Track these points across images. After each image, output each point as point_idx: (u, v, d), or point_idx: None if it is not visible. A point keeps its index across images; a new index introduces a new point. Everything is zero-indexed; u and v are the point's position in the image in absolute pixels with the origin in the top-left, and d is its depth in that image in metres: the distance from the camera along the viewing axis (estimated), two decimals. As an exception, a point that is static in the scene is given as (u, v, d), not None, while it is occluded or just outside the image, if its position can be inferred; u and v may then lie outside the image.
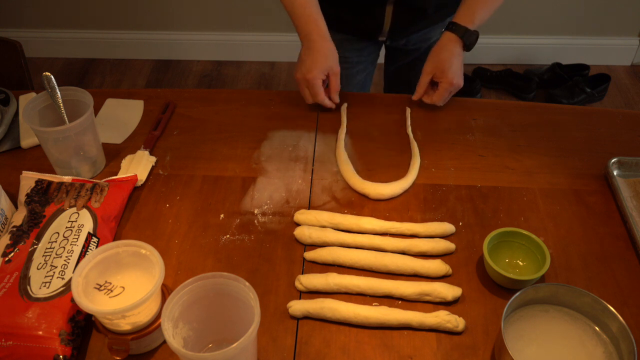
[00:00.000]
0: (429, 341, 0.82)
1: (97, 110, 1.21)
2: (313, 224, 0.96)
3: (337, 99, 1.17)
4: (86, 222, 0.90)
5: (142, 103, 1.23)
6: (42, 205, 0.92)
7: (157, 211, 1.00)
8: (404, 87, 1.47)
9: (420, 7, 1.23)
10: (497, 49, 2.77)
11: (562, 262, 0.92)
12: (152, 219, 0.99)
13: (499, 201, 1.02)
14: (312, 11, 1.13)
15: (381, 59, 1.48)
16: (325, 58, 1.11)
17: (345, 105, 1.21)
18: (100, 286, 0.78)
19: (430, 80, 1.16)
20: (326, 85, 1.16)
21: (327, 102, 1.15)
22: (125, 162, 1.08)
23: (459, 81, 1.13)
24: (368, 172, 1.07)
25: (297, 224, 0.98)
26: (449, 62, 1.12)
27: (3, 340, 0.76)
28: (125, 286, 0.79)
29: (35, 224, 0.89)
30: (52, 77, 1.01)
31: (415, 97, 1.18)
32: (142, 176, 1.05)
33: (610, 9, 2.61)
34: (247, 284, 0.71)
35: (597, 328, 0.79)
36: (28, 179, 0.97)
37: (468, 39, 1.14)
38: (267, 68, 2.81)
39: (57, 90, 1.02)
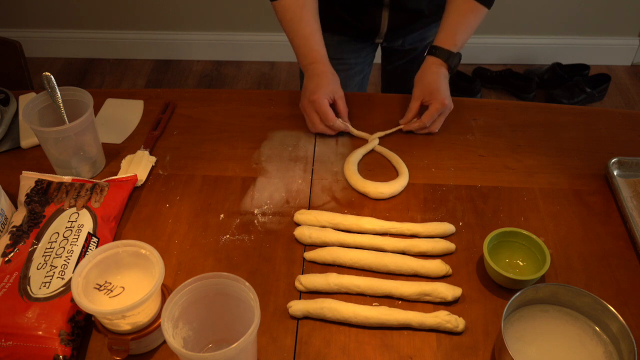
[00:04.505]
0: (429, 341, 0.82)
1: (97, 110, 1.21)
2: (313, 224, 0.96)
3: (347, 121, 1.13)
4: (86, 222, 0.90)
5: (142, 103, 1.23)
6: (42, 205, 0.92)
7: (157, 211, 1.00)
8: (401, 87, 1.47)
9: (417, 9, 1.23)
10: (497, 49, 2.77)
11: (562, 262, 0.92)
12: (152, 219, 0.99)
13: (499, 201, 1.02)
14: (314, 42, 1.12)
15: (377, 59, 1.48)
16: (328, 82, 1.10)
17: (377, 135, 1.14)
18: (100, 286, 0.78)
19: (420, 106, 1.13)
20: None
21: (339, 123, 1.11)
22: (125, 162, 1.08)
23: (450, 102, 1.10)
24: (368, 172, 1.07)
25: (297, 224, 0.98)
26: (436, 83, 1.11)
27: (3, 340, 0.76)
28: (125, 286, 0.79)
29: (35, 224, 0.89)
30: (52, 77, 1.01)
31: (403, 121, 1.15)
32: (142, 176, 1.05)
33: (610, 9, 2.61)
34: (247, 284, 0.71)
35: (597, 328, 0.79)
36: (28, 179, 0.97)
37: (452, 61, 1.13)
38: (267, 68, 2.81)
39: (57, 90, 1.02)
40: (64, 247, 0.86)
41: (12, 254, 0.85)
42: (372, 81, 1.67)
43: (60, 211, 0.91)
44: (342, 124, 1.12)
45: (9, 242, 0.87)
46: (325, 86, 1.09)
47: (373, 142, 1.12)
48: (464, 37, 1.14)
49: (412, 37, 1.34)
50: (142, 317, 0.76)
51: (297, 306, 0.84)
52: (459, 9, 1.13)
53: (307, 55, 1.13)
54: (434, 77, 1.12)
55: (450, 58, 1.12)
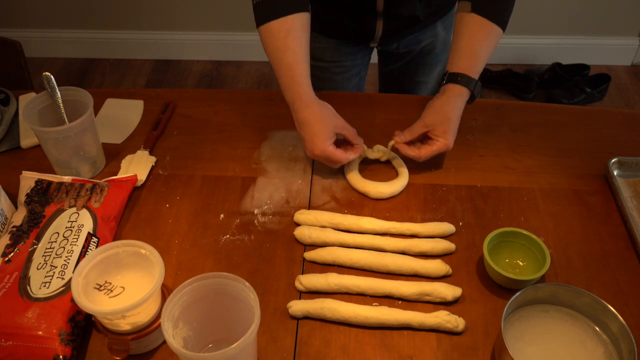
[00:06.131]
0: (429, 341, 0.82)
1: (97, 110, 1.21)
2: (313, 224, 0.96)
3: (359, 141, 1.04)
4: (86, 222, 0.90)
5: (142, 103, 1.23)
6: (42, 205, 0.92)
7: (157, 211, 1.00)
8: (399, 89, 1.47)
9: (412, 16, 1.22)
10: (497, 49, 2.72)
11: (562, 262, 0.92)
12: (152, 219, 0.99)
13: (499, 201, 1.02)
14: (297, 73, 1.00)
15: (374, 59, 1.48)
16: (321, 124, 0.99)
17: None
18: (100, 286, 0.78)
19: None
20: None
21: (352, 156, 1.02)
22: (125, 162, 1.08)
23: (452, 144, 1.03)
24: (368, 172, 1.07)
25: (297, 224, 0.98)
26: (452, 122, 1.02)
27: (3, 340, 0.76)
28: (125, 286, 0.79)
29: (35, 224, 0.89)
30: (52, 77, 1.01)
31: (398, 139, 1.05)
32: (142, 176, 1.05)
33: (610, 9, 2.61)
34: (247, 284, 0.71)
35: (597, 328, 0.79)
36: (28, 179, 0.97)
37: (477, 90, 1.04)
38: (267, 68, 2.81)
39: (57, 90, 1.02)
40: (64, 247, 0.86)
41: (12, 254, 0.85)
42: (370, 80, 1.67)
43: (60, 211, 0.91)
44: (353, 154, 1.02)
45: (9, 242, 0.87)
46: (322, 131, 0.98)
47: (378, 152, 1.10)
48: (483, 63, 1.06)
49: (407, 40, 1.33)
50: (142, 317, 0.76)
51: (297, 306, 0.84)
52: (474, 30, 1.06)
53: (289, 87, 1.01)
54: (452, 112, 1.03)
55: (476, 87, 1.04)
